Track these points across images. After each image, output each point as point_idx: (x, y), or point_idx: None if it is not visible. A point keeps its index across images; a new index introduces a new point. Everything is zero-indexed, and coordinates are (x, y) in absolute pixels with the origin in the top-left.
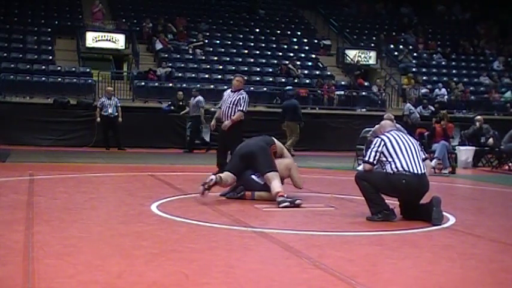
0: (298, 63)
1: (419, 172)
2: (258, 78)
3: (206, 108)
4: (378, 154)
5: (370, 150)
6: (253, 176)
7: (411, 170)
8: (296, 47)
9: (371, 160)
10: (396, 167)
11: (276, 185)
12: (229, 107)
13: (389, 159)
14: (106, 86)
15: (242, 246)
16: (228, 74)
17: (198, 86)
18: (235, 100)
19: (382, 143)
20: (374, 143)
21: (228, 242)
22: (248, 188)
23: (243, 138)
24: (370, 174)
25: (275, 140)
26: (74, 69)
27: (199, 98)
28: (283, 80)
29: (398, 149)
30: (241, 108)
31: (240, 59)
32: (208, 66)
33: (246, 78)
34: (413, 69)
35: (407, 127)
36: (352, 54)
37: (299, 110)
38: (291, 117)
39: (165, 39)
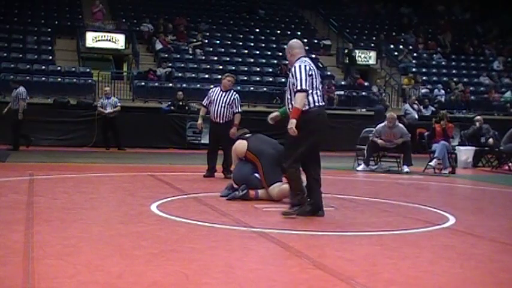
0: None
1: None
2: (258, 78)
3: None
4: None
5: (300, 77)
6: (256, 175)
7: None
8: None
9: (307, 87)
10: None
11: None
12: (223, 107)
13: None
14: (105, 86)
15: (242, 246)
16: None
17: (17, 77)
18: (229, 100)
19: (308, 67)
20: (300, 67)
21: (228, 242)
22: (251, 188)
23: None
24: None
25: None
26: (74, 69)
27: (20, 89)
28: (283, 80)
29: (315, 79)
30: (239, 110)
31: (240, 59)
32: (208, 66)
33: (246, 78)
34: (413, 69)
35: (405, 127)
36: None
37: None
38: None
39: (165, 39)
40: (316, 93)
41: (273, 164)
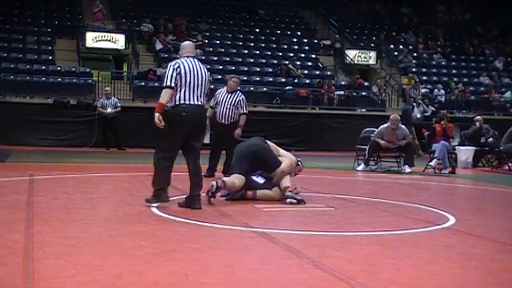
0: (298, 63)
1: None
2: (258, 78)
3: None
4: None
5: (166, 74)
6: (252, 177)
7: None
8: (296, 47)
9: (171, 84)
10: (179, 98)
11: (285, 180)
12: (228, 108)
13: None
14: (106, 86)
15: (242, 246)
16: (228, 74)
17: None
18: (234, 101)
19: (177, 65)
20: (170, 65)
21: (228, 242)
22: (248, 188)
23: (243, 138)
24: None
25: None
26: (74, 69)
27: None
28: (283, 80)
29: (187, 78)
30: (245, 111)
31: (240, 59)
32: (208, 66)
33: (246, 78)
34: (413, 69)
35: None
36: (352, 54)
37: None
38: (406, 120)
39: (165, 39)
40: (189, 91)
41: (238, 157)
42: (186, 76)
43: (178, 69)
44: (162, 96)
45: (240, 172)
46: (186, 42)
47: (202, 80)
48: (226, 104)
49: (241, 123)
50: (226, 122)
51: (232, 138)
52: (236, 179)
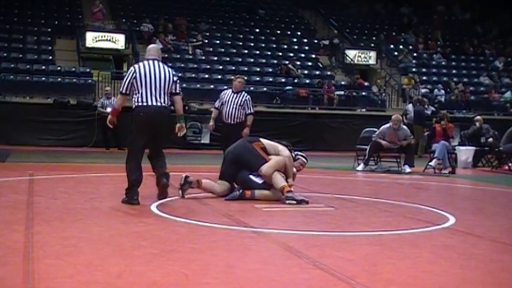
0: (298, 63)
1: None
2: (258, 78)
3: (206, 108)
4: (129, 84)
5: (124, 80)
6: (251, 176)
7: (149, 103)
8: (296, 47)
9: (123, 90)
10: (138, 99)
11: (278, 180)
12: (234, 108)
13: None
14: (106, 86)
15: (242, 246)
16: (228, 74)
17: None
18: (240, 102)
19: (132, 71)
20: (128, 70)
21: (228, 242)
22: (247, 188)
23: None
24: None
25: (261, 138)
26: (74, 69)
27: None
28: (283, 80)
29: (144, 80)
30: (252, 111)
31: (240, 59)
32: (208, 66)
33: (246, 78)
34: (413, 69)
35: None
36: (352, 54)
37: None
38: (419, 121)
39: (165, 39)
40: (146, 93)
41: (224, 162)
42: (142, 79)
43: (134, 75)
44: (115, 102)
45: (225, 179)
46: (151, 46)
47: (161, 82)
48: (232, 104)
49: (249, 123)
50: (232, 122)
51: (239, 138)
52: (218, 185)
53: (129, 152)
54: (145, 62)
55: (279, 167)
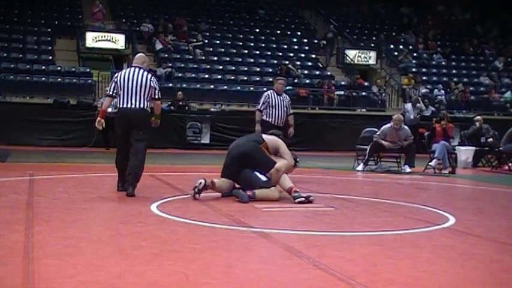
0: (298, 63)
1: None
2: (258, 78)
3: (206, 108)
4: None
5: (110, 84)
6: (256, 173)
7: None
8: (296, 47)
9: (109, 92)
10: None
11: (286, 181)
12: (283, 110)
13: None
14: (106, 86)
15: (242, 246)
16: (228, 74)
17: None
18: (286, 103)
19: (115, 76)
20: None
21: (228, 242)
22: (249, 187)
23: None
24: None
25: (264, 137)
26: (74, 69)
27: None
28: None
29: (123, 85)
30: (292, 112)
31: (240, 59)
32: (208, 66)
33: (246, 78)
34: (413, 69)
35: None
36: (352, 54)
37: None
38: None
39: (165, 39)
40: (124, 97)
41: (227, 160)
42: (121, 84)
43: (115, 79)
44: (103, 103)
45: (228, 177)
46: (138, 55)
47: (138, 87)
48: (281, 106)
49: (292, 123)
50: (281, 124)
51: (287, 138)
52: (224, 182)
53: (117, 149)
54: (128, 69)
55: (286, 169)
